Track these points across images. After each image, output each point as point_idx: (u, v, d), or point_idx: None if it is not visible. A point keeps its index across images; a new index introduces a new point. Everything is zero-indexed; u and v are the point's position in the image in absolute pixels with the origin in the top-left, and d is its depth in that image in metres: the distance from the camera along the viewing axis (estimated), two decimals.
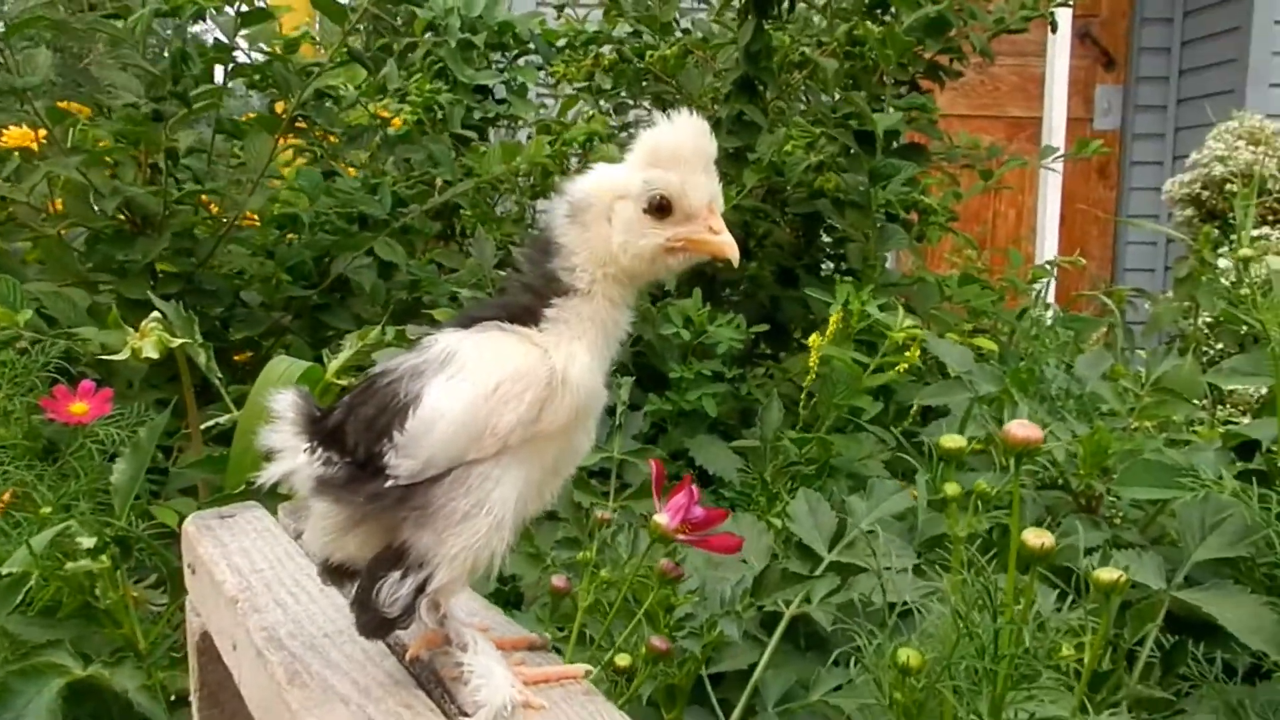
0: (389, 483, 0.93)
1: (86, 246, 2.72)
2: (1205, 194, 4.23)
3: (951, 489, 1.27)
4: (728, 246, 0.99)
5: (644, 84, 3.24)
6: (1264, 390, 3.14)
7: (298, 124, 2.93)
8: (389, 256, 2.70)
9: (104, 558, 1.87)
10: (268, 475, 1.00)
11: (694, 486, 1.30)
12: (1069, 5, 3.30)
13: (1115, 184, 7.26)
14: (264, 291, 2.81)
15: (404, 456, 0.93)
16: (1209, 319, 3.00)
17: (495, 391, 0.93)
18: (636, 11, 3.29)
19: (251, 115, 2.99)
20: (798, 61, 3.01)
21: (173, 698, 1.88)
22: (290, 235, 3.06)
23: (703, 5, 3.57)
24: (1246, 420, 2.86)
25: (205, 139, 2.93)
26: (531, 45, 3.37)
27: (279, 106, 2.93)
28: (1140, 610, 1.70)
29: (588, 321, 0.98)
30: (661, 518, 1.29)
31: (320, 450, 0.97)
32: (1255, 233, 3.89)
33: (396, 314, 2.84)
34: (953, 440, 1.29)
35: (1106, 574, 1.18)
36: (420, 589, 0.94)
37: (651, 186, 0.97)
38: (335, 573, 1.04)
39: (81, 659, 1.82)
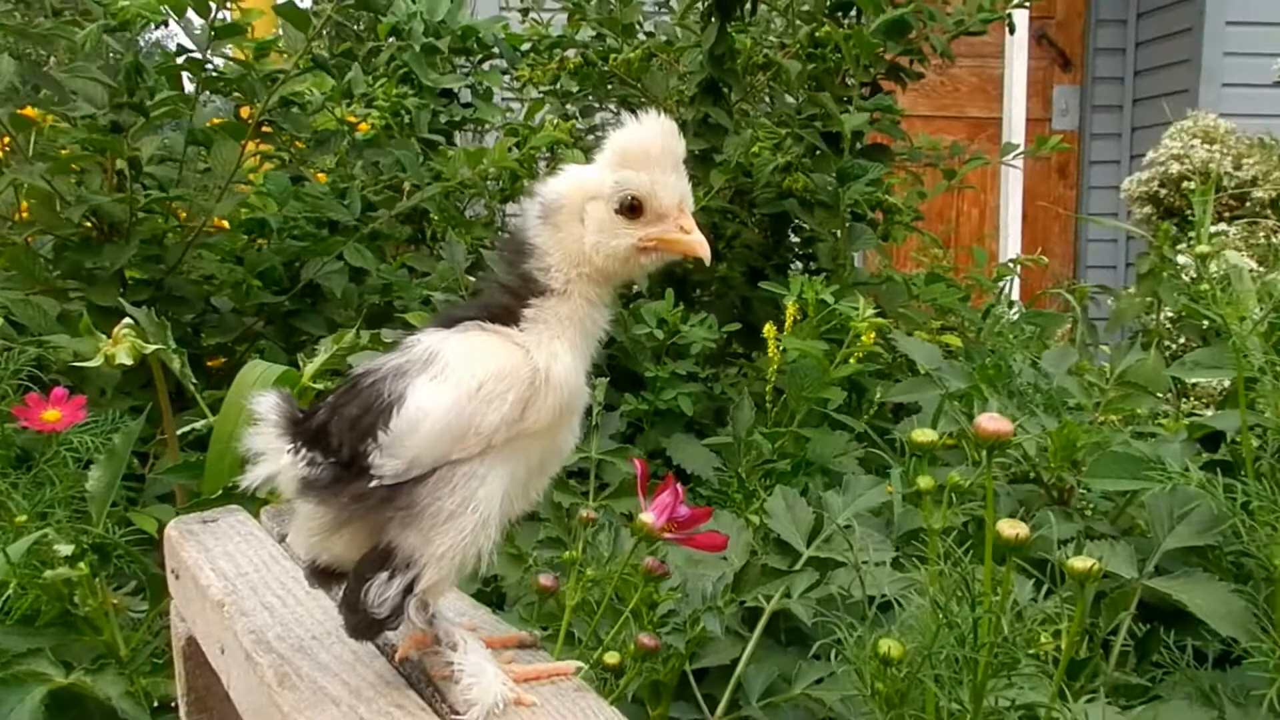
0: (373, 483, 0.94)
1: (54, 254, 2.70)
2: (1163, 191, 4.31)
3: (925, 482, 1.29)
4: (699, 245, 1.00)
5: (609, 87, 3.25)
6: (1226, 383, 3.19)
7: (264, 129, 2.93)
8: (358, 262, 2.69)
9: (82, 565, 1.86)
10: (251, 477, 1.00)
11: (678, 485, 1.31)
12: (1025, 6, 3.35)
13: (1075, 183, 7.37)
14: (235, 297, 2.80)
15: (388, 456, 0.93)
16: (1171, 314, 3.05)
17: (479, 391, 0.93)
18: (599, 15, 3.30)
19: (217, 121, 2.98)
20: (761, 64, 3.03)
21: (155, 704, 1.87)
22: (259, 241, 3.05)
23: (663, 10, 3.58)
24: (1210, 412, 2.91)
25: (172, 146, 2.92)
26: (496, 50, 3.37)
27: (244, 112, 2.92)
28: (1114, 599, 1.73)
29: (566, 321, 0.99)
30: (647, 517, 1.30)
31: (304, 451, 0.97)
32: (1212, 229, 3.95)
33: (369, 318, 2.84)
34: (924, 434, 1.31)
35: (1080, 563, 1.20)
36: (408, 589, 0.94)
37: (622, 187, 0.98)
38: (323, 574, 1.04)
39: (63, 667, 1.81)
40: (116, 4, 2.41)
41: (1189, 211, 4.21)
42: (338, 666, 1.02)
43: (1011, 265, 3.46)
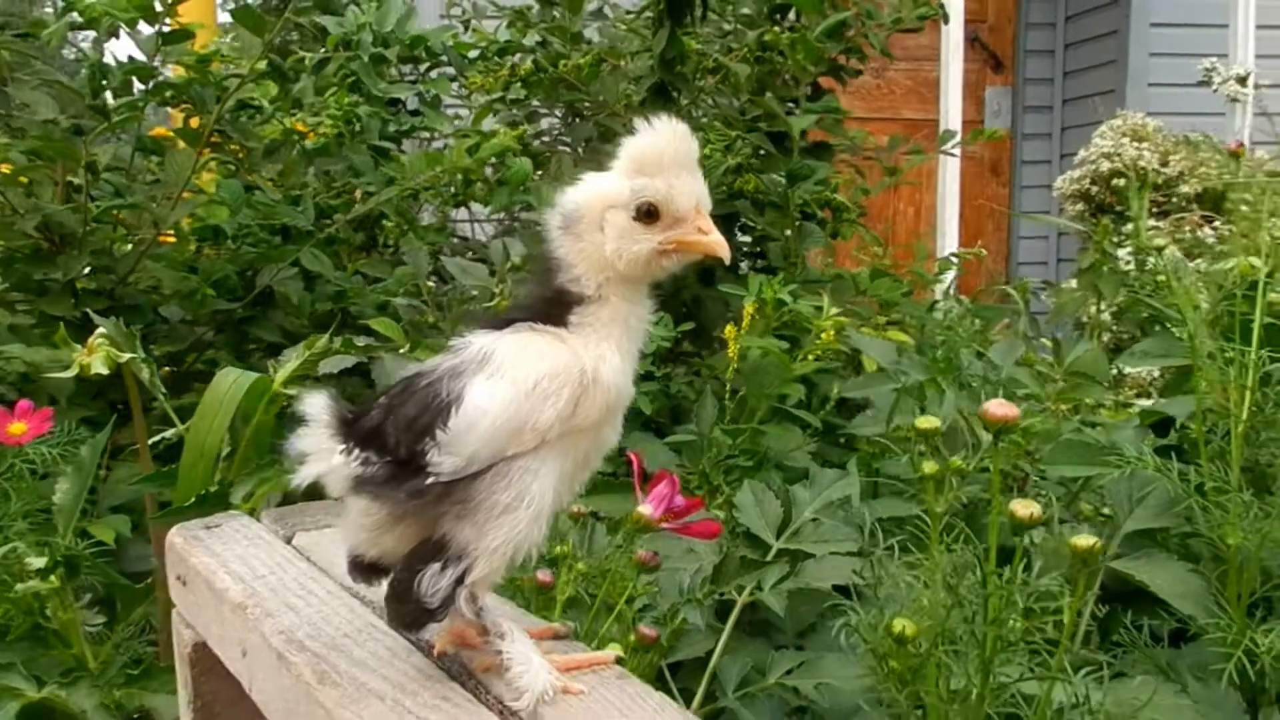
0: (430, 480, 0.95)
1: (1, 267, 2.65)
2: (1094, 189, 4.43)
3: (929, 467, 1.33)
4: (718, 246, 1.02)
5: (559, 92, 3.27)
6: (1156, 372, 3.30)
7: (212, 138, 2.90)
8: (316, 267, 2.68)
9: (53, 578, 1.83)
10: (301, 477, 1.00)
11: (674, 476, 1.34)
12: (945, 7, 3.41)
13: (1008, 182, 7.57)
14: (188, 306, 2.77)
15: (447, 453, 0.95)
16: (1107, 306, 3.14)
17: (535, 389, 0.96)
18: (543, 21, 3.32)
19: (160, 130, 2.95)
20: (711, 67, 3.07)
21: (126, 717, 1.85)
22: (208, 250, 3.02)
23: (604, 19, 3.60)
24: (1142, 402, 3.00)
25: (122, 156, 2.89)
26: (444, 58, 3.37)
27: (194, 121, 2.89)
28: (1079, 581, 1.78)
29: (610, 324, 1.01)
30: (645, 508, 1.33)
31: (358, 451, 0.98)
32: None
33: (322, 325, 2.83)
34: (927, 421, 1.35)
35: (1082, 541, 1.25)
36: (459, 580, 0.96)
37: (639, 194, 1.00)
38: (366, 570, 1.05)
39: (35, 681, 1.79)
40: (83, 2, 2.37)
41: (1120, 207, 4.33)
42: (375, 662, 1.02)
43: (953, 260, 3.52)
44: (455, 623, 1.04)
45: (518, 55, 3.36)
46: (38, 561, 1.82)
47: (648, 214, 1.00)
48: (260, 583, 1.18)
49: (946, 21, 3.38)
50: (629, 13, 3.44)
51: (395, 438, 0.97)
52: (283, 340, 2.82)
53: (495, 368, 0.97)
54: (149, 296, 2.85)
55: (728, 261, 1.02)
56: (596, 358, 0.99)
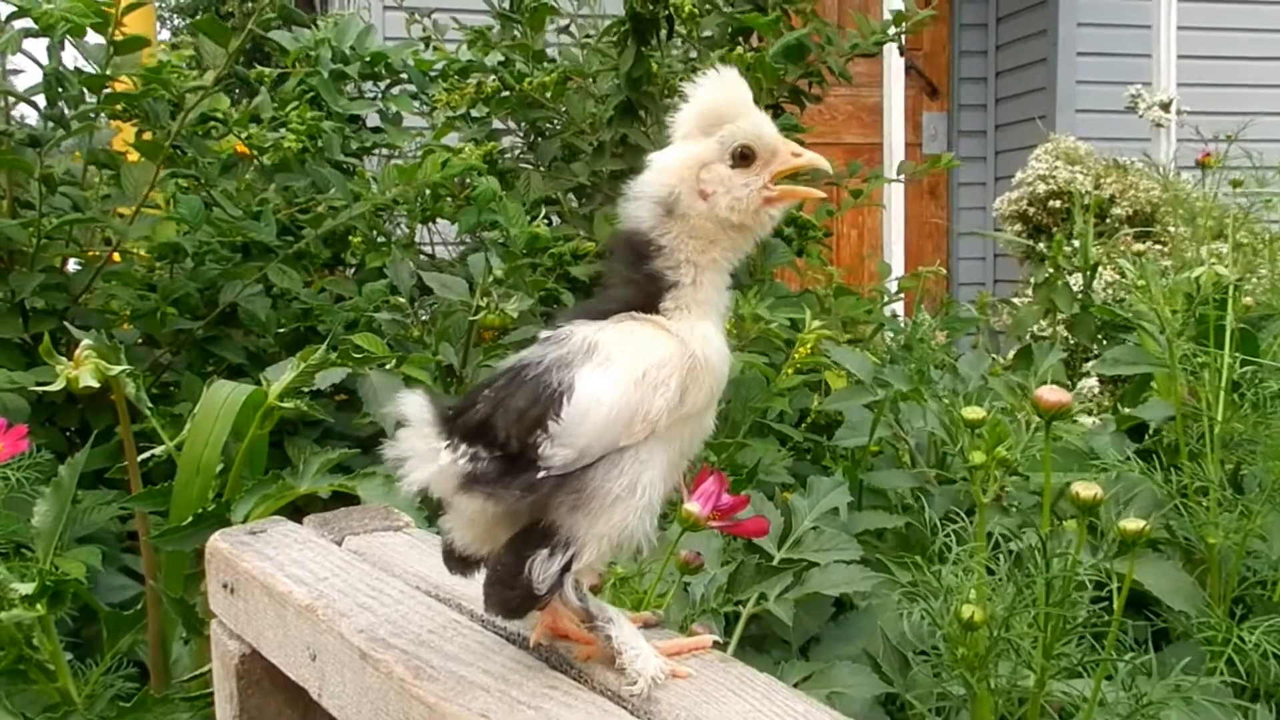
0: (542, 473, 0.93)
1: None
2: (1031, 210, 4.55)
3: (977, 456, 1.36)
4: (817, 159, 0.99)
5: (525, 111, 3.26)
6: (1097, 388, 3.39)
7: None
8: (284, 283, 2.62)
9: (39, 606, 1.74)
10: (409, 482, 0.97)
11: (721, 473, 1.33)
12: (904, 32, 3.50)
13: (945, 204, 7.76)
14: (149, 326, 2.69)
15: (560, 445, 0.92)
16: (1063, 319, 3.22)
17: (644, 378, 0.94)
18: (504, 40, 3.32)
19: (126, 143, 2.88)
20: (677, 85, 3.09)
21: None
22: (159, 269, 2.95)
23: (569, 37, 3.62)
24: (1085, 419, 3.08)
25: (73, 170, 2.82)
26: (405, 75, 3.35)
27: (146, 135, 2.83)
28: (1077, 584, 1.82)
29: (705, 304, 1.00)
30: (693, 506, 1.31)
31: (464, 447, 0.95)
32: (1077, 244, 4.16)
33: (289, 344, 2.77)
34: (974, 411, 1.38)
35: (1131, 524, 1.28)
36: (566, 567, 0.94)
37: (732, 140, 0.98)
38: (463, 562, 1.02)
39: (22, 718, 1.70)
40: (39, 8, 2.29)
41: (1055, 228, 4.45)
42: (469, 656, 0.99)
43: (923, 271, 3.56)
44: (546, 616, 1.02)
45: (477, 76, 3.35)
46: (24, 587, 1.73)
47: (743, 157, 0.98)
48: (325, 584, 1.14)
49: (903, 53, 3.45)
50: (587, 36, 3.45)
51: (505, 431, 0.94)
52: (246, 361, 2.76)
53: (603, 357, 0.95)
54: (102, 317, 2.77)
55: (831, 171, 1.00)
56: (703, 339, 0.98)
